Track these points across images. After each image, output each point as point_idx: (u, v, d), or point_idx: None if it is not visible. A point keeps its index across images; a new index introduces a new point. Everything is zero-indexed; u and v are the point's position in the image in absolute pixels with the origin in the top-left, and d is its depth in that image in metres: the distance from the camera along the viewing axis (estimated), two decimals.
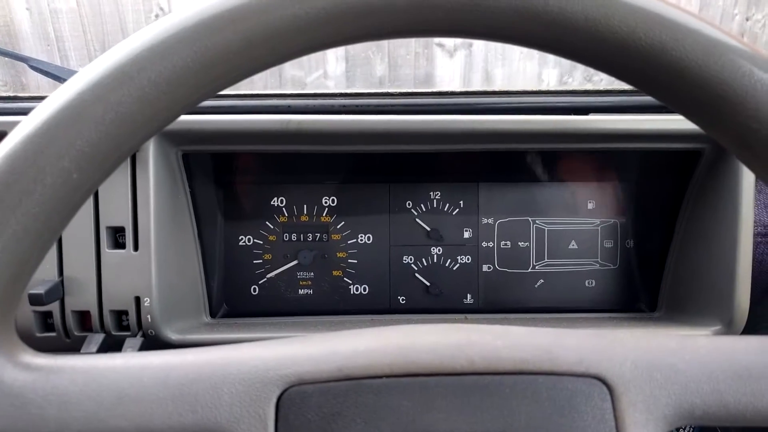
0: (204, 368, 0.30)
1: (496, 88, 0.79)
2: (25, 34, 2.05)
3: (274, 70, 2.40)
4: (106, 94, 0.27)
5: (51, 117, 0.27)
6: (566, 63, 2.44)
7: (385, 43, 2.42)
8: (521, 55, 2.49)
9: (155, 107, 0.28)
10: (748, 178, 0.63)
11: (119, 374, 0.29)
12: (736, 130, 0.30)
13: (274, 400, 0.29)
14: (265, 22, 0.28)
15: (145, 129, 0.29)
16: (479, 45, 2.44)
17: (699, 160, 0.66)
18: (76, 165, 0.28)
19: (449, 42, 2.43)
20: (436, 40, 2.44)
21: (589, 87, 0.95)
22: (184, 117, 0.60)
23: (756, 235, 0.76)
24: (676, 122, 0.62)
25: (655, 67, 0.29)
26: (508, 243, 0.75)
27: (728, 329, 0.63)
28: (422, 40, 2.45)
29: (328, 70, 2.41)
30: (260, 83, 2.38)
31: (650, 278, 0.74)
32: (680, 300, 0.70)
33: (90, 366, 0.29)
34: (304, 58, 2.26)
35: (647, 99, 0.74)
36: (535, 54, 2.47)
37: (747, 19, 2.35)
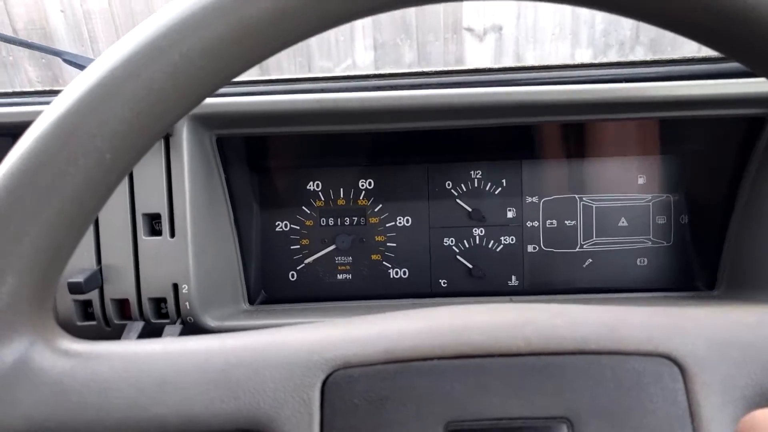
0: (245, 353, 0.29)
1: (545, 64, 0.75)
2: (60, 36, 2.09)
3: (302, 61, 2.41)
4: (138, 69, 0.26)
5: (82, 96, 0.26)
6: (599, 42, 2.37)
7: (413, 30, 2.39)
8: (553, 36, 2.43)
9: (188, 82, 0.27)
10: None
11: (159, 360, 0.28)
12: None
13: (319, 385, 0.28)
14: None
15: (179, 106, 0.28)
16: (509, 27, 2.39)
17: (763, 128, 0.61)
18: (109, 145, 0.27)
19: (478, 26, 2.39)
20: (465, 24, 2.40)
21: None
22: (216, 100, 0.59)
23: None
24: (738, 86, 0.57)
25: (730, 23, 0.27)
26: (554, 222, 0.72)
27: None
28: (450, 24, 2.42)
29: (357, 60, 2.40)
30: (289, 75, 2.38)
31: (708, 255, 0.70)
32: (742, 277, 0.66)
33: (130, 352, 0.29)
34: (333, 48, 2.25)
35: (691, 69, 0.70)
36: (567, 34, 2.41)
37: None
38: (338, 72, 2.41)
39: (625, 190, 0.72)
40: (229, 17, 0.26)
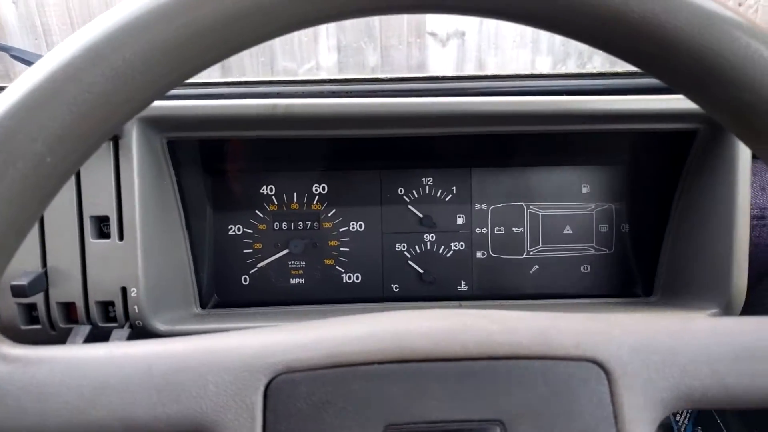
0: (189, 357, 0.29)
1: (499, 73, 0.77)
2: (12, 28, 2.02)
3: (265, 61, 2.39)
4: (79, 73, 0.26)
5: (21, 99, 0.26)
6: (559, 51, 2.43)
7: (377, 33, 2.40)
8: (514, 44, 2.48)
9: (132, 87, 0.27)
10: (743, 158, 0.62)
11: (101, 364, 0.28)
12: (731, 104, 0.29)
13: (261, 389, 0.29)
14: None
15: (122, 110, 0.28)
16: (472, 34, 2.43)
17: (693, 141, 0.65)
18: (49, 148, 0.27)
19: (441, 31, 2.41)
20: (429, 28, 2.42)
21: None
22: (168, 103, 0.59)
23: (752, 218, 0.75)
24: (671, 102, 0.60)
25: (648, 40, 0.28)
26: (502, 229, 0.74)
27: (725, 312, 0.62)
28: (414, 29, 2.44)
29: (320, 61, 2.40)
30: (252, 75, 2.36)
31: (646, 262, 0.73)
32: (676, 284, 0.69)
33: (71, 356, 0.29)
34: (296, 49, 2.23)
35: (640, 82, 0.73)
36: (528, 42, 2.46)
37: (740, 5, 2.35)
38: (302, 72, 2.40)
39: (570, 199, 0.74)
40: (173, 22, 0.27)
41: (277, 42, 2.33)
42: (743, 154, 0.62)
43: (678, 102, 0.60)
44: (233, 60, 2.38)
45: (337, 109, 0.60)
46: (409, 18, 2.39)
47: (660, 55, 0.29)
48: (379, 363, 0.29)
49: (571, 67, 2.33)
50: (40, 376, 0.27)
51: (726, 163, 0.62)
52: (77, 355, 0.29)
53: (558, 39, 2.50)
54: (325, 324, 0.31)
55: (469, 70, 2.34)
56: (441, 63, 2.44)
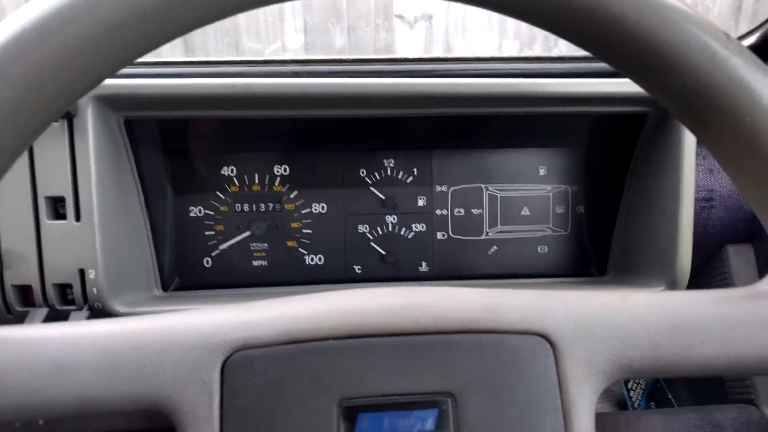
0: (145, 335, 0.29)
1: (461, 56, 0.78)
2: None
3: (230, 41, 2.34)
4: (27, 49, 0.26)
5: None
6: (526, 35, 2.45)
7: (344, 14, 2.38)
8: (481, 27, 2.49)
9: (82, 64, 0.27)
10: (689, 142, 0.65)
11: (56, 343, 0.28)
12: (672, 87, 0.31)
13: (219, 366, 0.29)
14: None
15: (72, 88, 0.28)
16: (439, 16, 2.43)
17: (643, 125, 0.67)
18: None
19: (409, 13, 2.41)
20: (396, 11, 2.41)
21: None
22: (124, 81, 0.58)
23: (700, 200, 0.78)
24: (622, 85, 0.62)
25: (593, 24, 0.29)
26: (462, 210, 0.76)
27: (671, 289, 0.65)
28: (381, 11, 2.42)
29: (287, 42, 2.36)
30: (216, 55, 2.31)
31: (600, 243, 0.76)
32: (628, 263, 0.72)
33: (25, 336, 0.29)
34: (262, 30, 2.19)
35: (600, 66, 0.75)
36: (495, 25, 2.48)
37: None
38: (267, 53, 2.37)
39: (528, 181, 0.76)
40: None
41: (243, 22, 2.29)
42: (689, 138, 0.64)
43: (629, 86, 0.62)
44: (197, 40, 2.32)
45: (297, 89, 0.60)
46: (377, 0, 2.38)
47: (605, 40, 0.30)
48: (334, 339, 0.30)
49: (537, 51, 2.34)
50: None
51: (673, 146, 0.65)
52: (32, 335, 0.29)
53: (524, 23, 2.51)
54: (281, 302, 0.32)
55: (437, 53, 2.34)
56: (408, 45, 2.44)
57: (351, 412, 0.29)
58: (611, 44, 0.30)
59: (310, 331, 0.30)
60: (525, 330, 0.31)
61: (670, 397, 0.94)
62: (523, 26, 2.43)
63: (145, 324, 0.30)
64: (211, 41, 2.34)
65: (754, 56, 0.30)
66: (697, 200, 0.77)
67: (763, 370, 0.32)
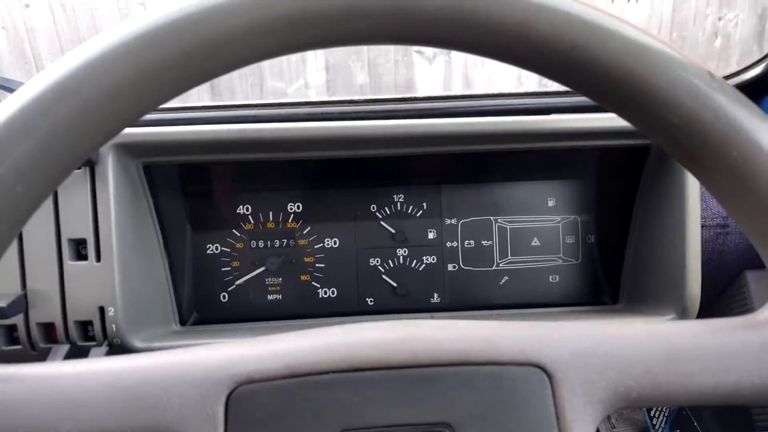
0: (154, 371, 0.31)
1: (467, 93, 0.80)
2: (2, 54, 2.05)
3: (255, 81, 2.42)
4: (47, 108, 0.28)
5: None
6: None
7: (364, 52, 2.44)
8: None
9: (98, 120, 0.29)
10: None
11: (68, 380, 0.30)
12: (661, 126, 0.31)
13: (223, 399, 0.30)
14: (205, 34, 0.29)
15: (89, 142, 0.30)
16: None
17: (647, 157, 0.67)
18: (19, 178, 0.28)
19: (428, 49, 2.45)
20: (415, 47, 2.46)
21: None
22: (141, 129, 0.61)
23: (715, 226, 0.78)
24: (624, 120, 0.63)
25: (580, 66, 0.31)
26: (472, 242, 0.77)
27: (682, 318, 0.65)
28: (401, 48, 2.48)
29: (309, 80, 2.43)
30: (242, 95, 2.39)
31: (611, 272, 0.75)
32: (639, 292, 0.71)
33: (39, 374, 0.30)
34: (285, 69, 2.26)
35: None
36: None
37: (720, 19, 2.39)
38: (291, 92, 2.43)
39: (537, 212, 0.77)
40: (138, 59, 0.28)
41: (267, 63, 2.37)
42: None
43: None
44: (223, 81, 2.40)
45: (307, 133, 0.63)
46: None
47: (592, 82, 0.31)
48: (334, 372, 0.31)
49: (554, 83, 2.34)
50: (9, 392, 0.29)
51: (676, 176, 0.65)
52: (46, 372, 0.30)
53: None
54: (284, 337, 0.33)
55: (456, 87, 2.37)
56: (428, 80, 2.48)
57: None
58: (599, 85, 0.31)
59: (311, 364, 0.31)
60: (521, 361, 0.31)
61: (695, 424, 0.92)
62: None
63: (154, 360, 0.31)
64: (237, 81, 2.42)
65: (737, 92, 0.31)
66: (712, 227, 0.77)
67: (762, 400, 0.31)
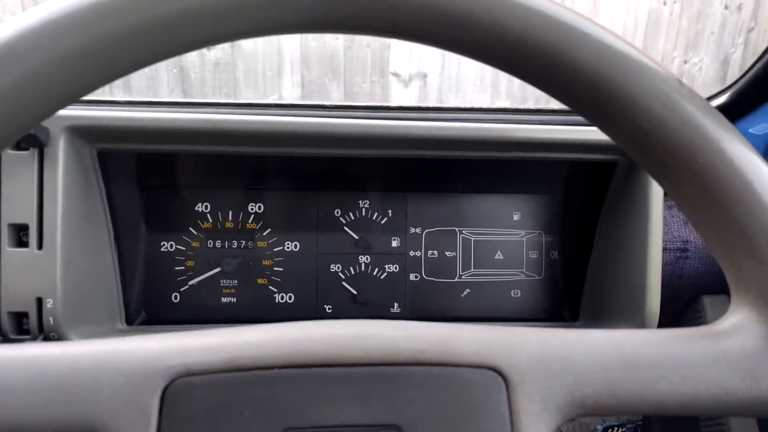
0: (85, 359, 0.28)
1: (440, 106, 0.80)
2: None
3: (228, 92, 2.40)
4: None
5: None
6: (518, 95, 2.52)
7: (341, 71, 2.46)
8: (474, 87, 2.56)
9: (43, 91, 0.27)
10: (657, 192, 0.65)
11: None
12: (629, 130, 0.31)
13: (159, 392, 0.28)
14: (158, 13, 0.27)
15: (30, 114, 0.28)
16: (434, 75, 2.50)
17: (614, 173, 0.68)
18: None
19: (404, 71, 2.48)
20: (392, 68, 2.49)
21: None
22: (99, 113, 0.59)
23: (675, 250, 0.78)
24: (592, 133, 0.64)
25: (551, 67, 0.30)
26: (436, 253, 0.76)
27: None
28: (378, 69, 2.50)
29: (284, 95, 2.43)
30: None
31: (573, 288, 0.75)
32: (599, 309, 0.71)
33: None
34: (260, 83, 2.24)
35: (578, 119, 0.77)
36: (488, 86, 2.55)
37: (685, 62, 2.49)
38: None
39: (502, 226, 0.77)
40: (91, 29, 0.27)
41: (241, 75, 2.36)
42: (657, 187, 0.65)
43: (598, 134, 0.63)
44: (195, 90, 2.38)
45: (271, 126, 0.61)
46: (373, 57, 2.46)
47: (562, 83, 0.31)
48: (279, 368, 0.29)
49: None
50: None
51: (641, 195, 0.65)
52: None
53: (516, 83, 2.59)
54: (229, 330, 0.31)
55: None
56: (403, 102, 2.50)
57: None
58: (569, 87, 0.31)
59: (257, 358, 0.29)
60: (477, 363, 0.30)
61: None
62: (515, 87, 2.51)
63: (87, 348, 0.29)
64: (210, 92, 2.40)
65: (705, 101, 0.31)
66: (672, 250, 0.77)
67: (716, 409, 0.31)
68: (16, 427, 0.27)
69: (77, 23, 0.27)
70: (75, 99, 0.29)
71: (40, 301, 0.57)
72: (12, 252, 0.56)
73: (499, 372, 0.30)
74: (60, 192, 0.57)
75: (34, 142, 0.55)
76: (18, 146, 0.57)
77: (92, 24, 0.27)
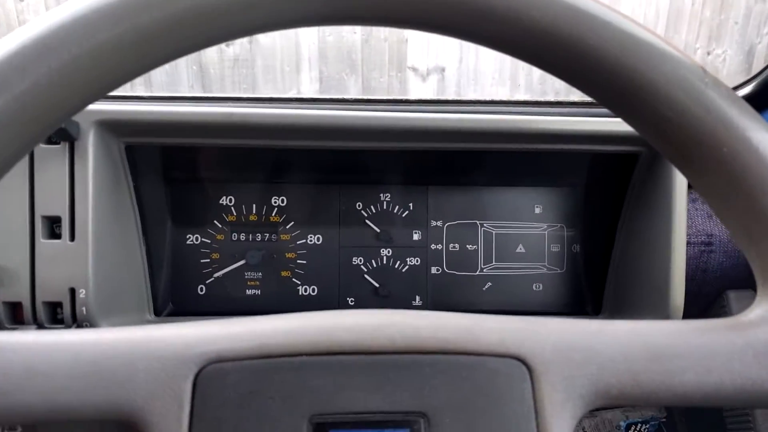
0: (120, 345, 0.29)
1: (459, 98, 0.80)
2: None
3: (247, 88, 2.42)
4: (24, 64, 0.27)
5: None
6: (537, 88, 2.50)
7: (358, 65, 2.46)
8: (493, 80, 2.55)
9: (76, 83, 0.28)
10: (680, 183, 0.65)
11: (30, 350, 0.29)
12: (653, 120, 0.31)
13: (191, 378, 0.29)
14: (169, 14, 0.28)
15: (65, 106, 0.29)
16: (452, 69, 2.49)
17: (636, 165, 0.67)
18: None
19: (422, 66, 2.48)
20: (410, 63, 2.48)
21: None
22: (126, 107, 0.60)
23: (700, 244, 0.78)
24: (614, 124, 0.63)
25: (575, 57, 0.30)
26: (457, 246, 0.76)
27: None
28: (395, 63, 2.50)
29: (302, 90, 2.44)
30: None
31: (595, 282, 0.75)
32: (622, 302, 0.71)
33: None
34: (279, 78, 2.25)
35: (595, 111, 0.76)
36: (506, 79, 2.53)
37: (708, 53, 2.45)
38: None
39: (523, 219, 0.77)
40: (122, 23, 0.27)
41: (260, 71, 2.37)
42: (680, 179, 0.65)
43: (620, 125, 0.63)
44: (215, 86, 2.39)
45: (295, 120, 0.62)
46: (391, 52, 2.45)
47: (587, 74, 0.31)
48: (308, 355, 0.30)
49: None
50: None
51: (664, 187, 0.65)
52: (7, 339, 0.29)
53: (536, 76, 2.57)
54: (258, 318, 0.32)
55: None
56: (421, 96, 2.49)
57: (321, 429, 0.29)
58: (592, 77, 0.31)
59: (284, 346, 0.30)
60: (502, 353, 0.31)
61: None
62: (534, 80, 2.49)
63: (121, 334, 0.30)
64: (229, 87, 2.42)
65: (729, 89, 0.31)
66: (696, 244, 0.77)
67: (742, 401, 0.31)
68: (54, 410, 0.28)
69: (108, 17, 0.27)
70: (105, 93, 0.30)
71: (73, 292, 0.58)
72: (46, 243, 0.58)
73: (523, 361, 0.30)
74: (90, 185, 0.58)
75: (65, 136, 0.57)
76: (49, 140, 0.58)
77: (122, 18, 0.27)
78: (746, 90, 0.80)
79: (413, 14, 0.30)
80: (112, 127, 0.60)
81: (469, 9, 0.30)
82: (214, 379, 0.29)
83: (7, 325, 0.59)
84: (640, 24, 0.30)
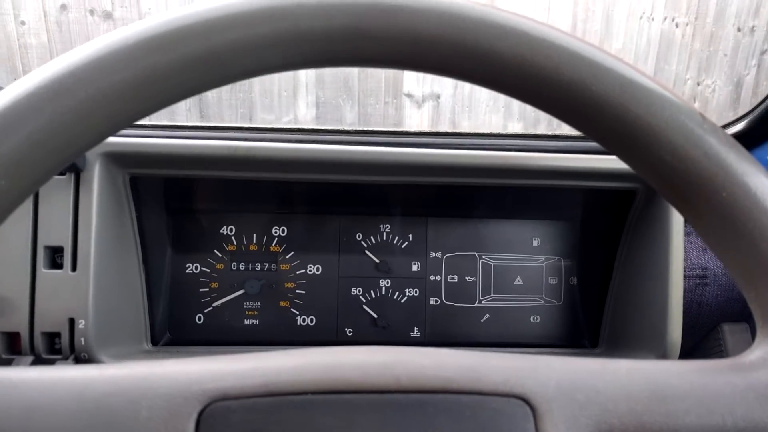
0: (123, 382, 0.29)
1: (456, 131, 0.82)
2: None
3: (245, 113, 2.44)
4: (41, 103, 0.28)
5: None
6: (530, 116, 2.53)
7: (355, 91, 2.48)
8: (487, 108, 2.58)
9: (90, 121, 0.29)
10: (677, 219, 0.66)
11: (31, 387, 0.28)
12: (653, 163, 0.32)
13: (194, 416, 0.29)
14: (205, 46, 0.29)
15: (79, 142, 0.29)
16: (446, 96, 2.52)
17: (633, 201, 0.69)
18: (4, 172, 0.28)
19: (417, 92, 2.51)
20: (405, 89, 2.52)
21: None
22: (132, 139, 0.61)
23: (694, 277, 0.78)
24: (612, 162, 0.65)
25: (576, 101, 0.31)
26: (455, 277, 0.76)
27: None
28: (391, 90, 2.53)
29: (299, 115, 2.46)
30: (228, 124, 2.39)
31: (592, 315, 0.75)
32: (619, 336, 0.71)
33: (1, 377, 0.29)
34: (276, 103, 2.27)
35: (595, 145, 0.78)
36: (500, 107, 2.57)
37: (698, 84, 2.50)
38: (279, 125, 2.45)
39: (521, 251, 0.77)
40: (137, 64, 0.29)
41: (257, 96, 2.39)
42: (677, 215, 0.66)
43: (618, 162, 0.64)
44: (212, 110, 2.41)
45: (297, 154, 0.63)
46: (387, 78, 2.49)
47: (588, 117, 0.32)
48: (312, 393, 0.30)
49: (542, 131, 2.40)
50: None
51: (661, 222, 0.66)
52: (8, 376, 0.29)
53: (529, 106, 2.61)
54: (262, 355, 0.32)
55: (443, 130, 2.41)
56: (416, 122, 2.52)
57: None
58: (593, 121, 0.32)
59: (290, 384, 0.30)
60: (505, 392, 0.31)
61: None
62: (528, 108, 2.52)
63: (124, 371, 0.30)
64: (227, 112, 2.44)
65: (727, 135, 0.32)
66: (691, 278, 0.77)
67: None
68: None
69: (122, 60, 0.28)
70: (119, 130, 0.31)
71: (72, 322, 0.58)
72: (47, 273, 0.58)
73: (526, 401, 0.30)
74: (94, 215, 0.59)
75: (71, 167, 0.57)
76: None
77: (135, 60, 0.28)
78: (738, 127, 0.81)
79: (424, 58, 0.31)
80: (118, 158, 0.60)
81: (473, 54, 0.31)
82: (218, 418, 0.29)
83: (3, 356, 0.58)
84: (641, 70, 0.32)
